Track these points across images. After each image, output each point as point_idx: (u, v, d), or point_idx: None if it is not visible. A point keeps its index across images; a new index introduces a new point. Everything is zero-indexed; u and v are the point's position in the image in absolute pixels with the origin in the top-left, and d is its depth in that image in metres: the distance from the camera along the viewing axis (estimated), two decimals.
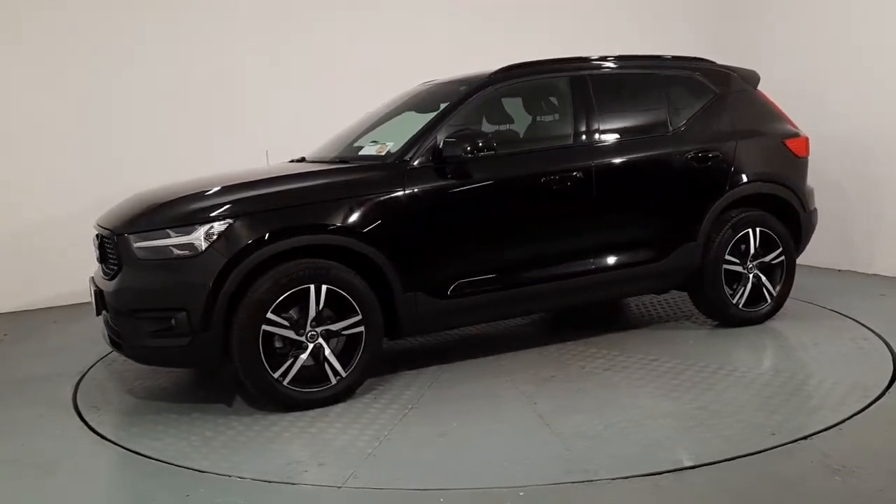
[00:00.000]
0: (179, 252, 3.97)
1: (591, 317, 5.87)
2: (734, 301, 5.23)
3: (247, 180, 4.35)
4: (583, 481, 3.17)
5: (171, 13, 7.10)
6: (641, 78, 5.25)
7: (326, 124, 5.65)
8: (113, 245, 4.17)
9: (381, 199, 4.28)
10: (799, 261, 5.51)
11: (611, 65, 5.17)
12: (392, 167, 4.41)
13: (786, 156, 5.40)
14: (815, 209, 5.68)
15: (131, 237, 4.06)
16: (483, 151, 4.38)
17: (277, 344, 4.08)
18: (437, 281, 4.41)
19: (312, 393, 4.12)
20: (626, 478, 3.20)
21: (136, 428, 4.03)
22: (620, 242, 4.92)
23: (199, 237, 3.94)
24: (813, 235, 5.65)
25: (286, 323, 4.04)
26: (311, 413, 4.06)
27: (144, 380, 4.77)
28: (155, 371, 4.85)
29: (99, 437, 3.93)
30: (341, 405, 4.16)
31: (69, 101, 6.87)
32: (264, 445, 3.73)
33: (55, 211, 6.85)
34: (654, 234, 5.02)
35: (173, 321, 3.94)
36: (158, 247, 4.00)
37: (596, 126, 4.88)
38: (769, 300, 5.33)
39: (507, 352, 4.99)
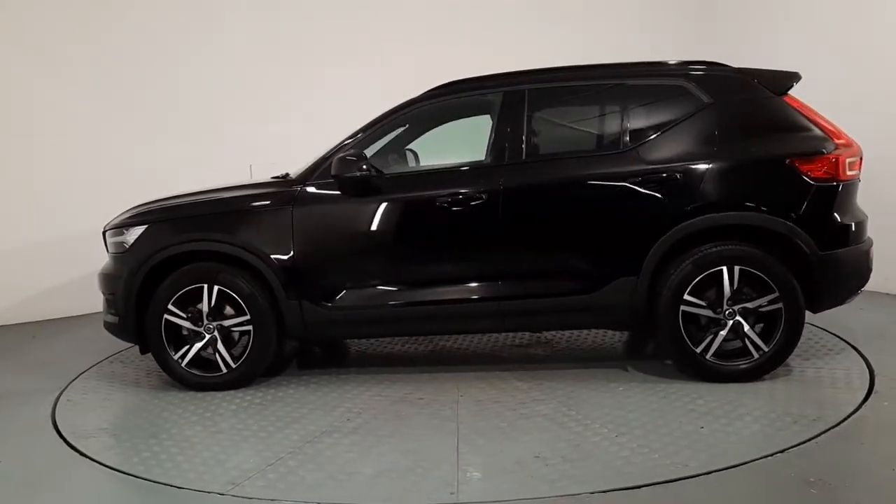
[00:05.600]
0: (127, 247, 4.93)
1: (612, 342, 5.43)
2: (698, 350, 4.42)
3: (184, 193, 5.13)
4: (224, 493, 3.39)
5: (171, 21, 7.39)
6: (595, 91, 4.68)
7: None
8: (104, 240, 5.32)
9: (267, 212, 4.70)
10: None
11: (557, 78, 4.72)
12: (291, 183, 4.78)
13: (791, 179, 4.32)
14: (861, 246, 4.44)
15: (107, 234, 5.15)
16: (366, 173, 4.51)
17: (184, 332, 4.82)
18: (323, 292, 4.67)
19: (205, 378, 4.80)
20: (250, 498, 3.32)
21: (114, 445, 4.12)
22: (534, 270, 4.54)
23: (127, 237, 4.87)
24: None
25: (185, 315, 4.76)
26: (200, 395, 4.74)
27: (122, 396, 4.91)
28: (132, 386, 5.07)
29: (77, 454, 3.96)
30: (230, 392, 4.74)
31: (59, 122, 7.15)
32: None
33: (43, 227, 7.16)
34: (579, 263, 4.51)
35: (112, 302, 4.95)
36: (116, 242, 5.01)
37: (518, 144, 4.56)
38: (755, 355, 4.39)
39: (437, 368, 5.01)
